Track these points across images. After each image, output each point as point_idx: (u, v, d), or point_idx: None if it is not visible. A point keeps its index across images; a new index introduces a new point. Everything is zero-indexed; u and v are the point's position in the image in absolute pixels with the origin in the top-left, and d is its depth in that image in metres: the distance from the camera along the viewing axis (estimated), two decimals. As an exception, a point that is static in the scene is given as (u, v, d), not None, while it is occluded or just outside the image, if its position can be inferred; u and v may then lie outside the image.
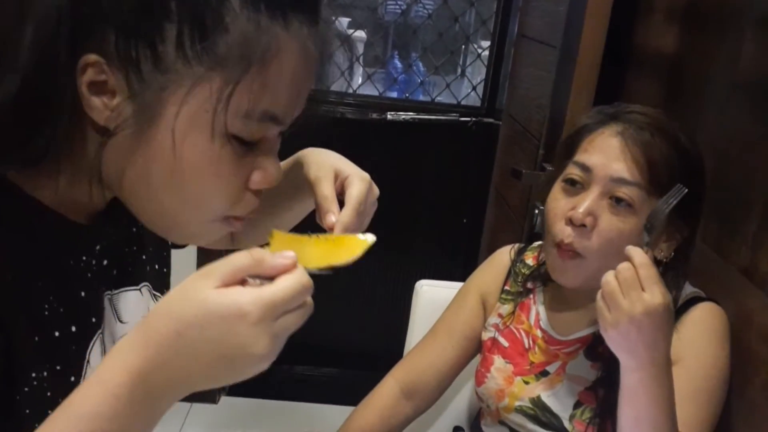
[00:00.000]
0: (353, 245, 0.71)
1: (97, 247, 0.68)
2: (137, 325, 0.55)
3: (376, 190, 0.83)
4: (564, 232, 1.01)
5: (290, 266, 0.55)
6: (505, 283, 1.23)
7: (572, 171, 1.04)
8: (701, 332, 1.04)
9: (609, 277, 0.88)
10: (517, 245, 1.27)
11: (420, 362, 1.24)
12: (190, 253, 2.43)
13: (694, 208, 1.05)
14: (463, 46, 2.70)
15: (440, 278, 1.48)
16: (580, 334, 1.11)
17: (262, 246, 0.68)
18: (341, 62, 2.55)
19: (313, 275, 0.59)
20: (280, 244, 0.69)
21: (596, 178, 1.01)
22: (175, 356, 0.52)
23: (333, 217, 0.73)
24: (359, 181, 0.78)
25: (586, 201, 1.00)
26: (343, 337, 2.73)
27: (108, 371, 0.53)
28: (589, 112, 1.10)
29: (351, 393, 2.68)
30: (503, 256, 1.27)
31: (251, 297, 0.51)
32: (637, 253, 0.87)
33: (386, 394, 1.24)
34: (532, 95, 1.93)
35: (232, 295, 0.52)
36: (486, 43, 2.61)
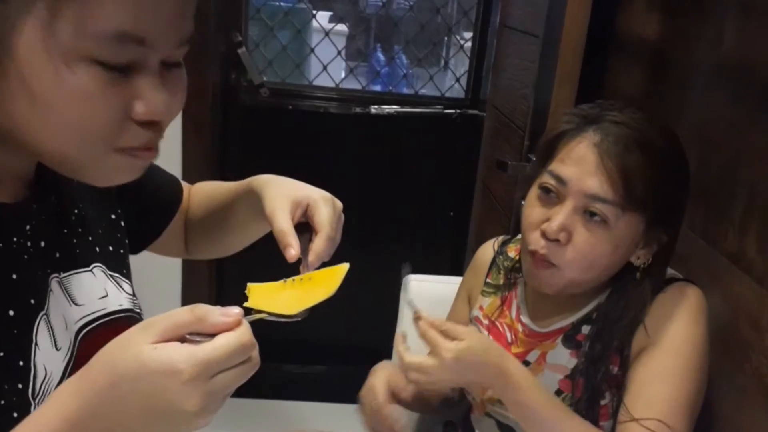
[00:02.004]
0: (329, 279, 0.72)
1: (27, 228, 0.67)
2: (80, 371, 0.55)
3: (339, 205, 0.83)
4: (538, 243, 1.02)
5: (232, 324, 0.54)
6: (487, 276, 1.24)
7: (548, 180, 1.03)
8: (673, 311, 1.03)
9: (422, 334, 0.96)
10: (501, 237, 1.28)
11: None
12: (175, 265, 2.39)
13: (673, 215, 1.05)
14: (446, 38, 2.68)
15: (428, 272, 1.47)
16: (559, 325, 1.11)
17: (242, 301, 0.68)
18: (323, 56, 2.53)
19: None
20: (257, 296, 0.70)
21: (571, 191, 1.00)
22: (109, 406, 0.53)
23: (293, 250, 0.75)
24: (323, 205, 0.79)
25: (560, 216, 1.00)
26: (331, 334, 2.71)
27: (44, 416, 0.54)
28: (567, 114, 1.07)
29: (340, 390, 2.68)
30: (486, 249, 1.28)
31: (185, 355, 0.51)
32: (424, 321, 0.96)
33: None
34: (516, 86, 1.92)
35: (167, 351, 0.52)
36: (468, 34, 2.59)
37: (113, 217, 0.82)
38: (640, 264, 1.04)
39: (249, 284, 0.71)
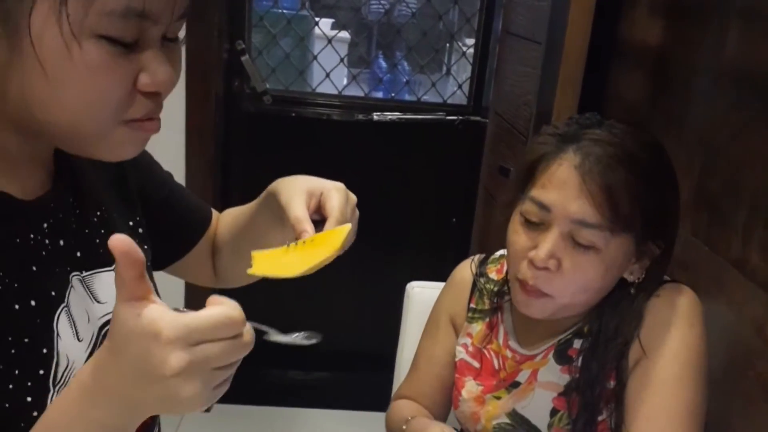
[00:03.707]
0: (331, 239, 0.72)
1: (45, 225, 0.69)
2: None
3: (353, 197, 0.84)
4: (527, 273, 0.98)
5: (117, 243, 0.52)
6: (470, 301, 1.18)
7: (531, 208, 0.98)
8: (666, 317, 0.99)
9: None
10: (477, 257, 1.22)
11: (411, 396, 1.22)
12: (178, 286, 2.40)
13: (664, 228, 1.01)
14: (448, 45, 2.68)
15: (431, 279, 1.47)
16: (549, 344, 1.07)
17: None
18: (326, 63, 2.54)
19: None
20: (261, 262, 0.71)
21: (556, 217, 0.96)
22: (111, 373, 0.54)
23: (308, 235, 0.75)
24: (336, 192, 0.80)
25: (547, 243, 0.95)
26: (335, 340, 2.71)
27: (70, 383, 0.58)
28: (543, 135, 1.02)
29: (344, 397, 2.68)
30: (464, 272, 1.22)
31: (168, 319, 0.51)
32: None
33: (403, 405, 1.20)
34: (518, 92, 1.92)
35: (152, 314, 0.52)
36: (470, 41, 2.60)
37: (131, 224, 0.84)
38: (634, 279, 1.01)
39: (253, 252, 0.72)
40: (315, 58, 2.55)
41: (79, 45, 0.57)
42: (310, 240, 0.73)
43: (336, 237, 0.72)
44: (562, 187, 0.95)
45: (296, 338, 0.66)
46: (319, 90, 2.57)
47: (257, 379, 2.72)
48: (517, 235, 1.01)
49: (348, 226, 0.74)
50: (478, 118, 2.54)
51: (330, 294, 2.62)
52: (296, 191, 0.80)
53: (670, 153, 1.01)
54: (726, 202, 1.18)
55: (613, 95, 1.69)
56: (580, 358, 1.02)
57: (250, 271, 0.70)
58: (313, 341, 0.67)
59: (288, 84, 2.56)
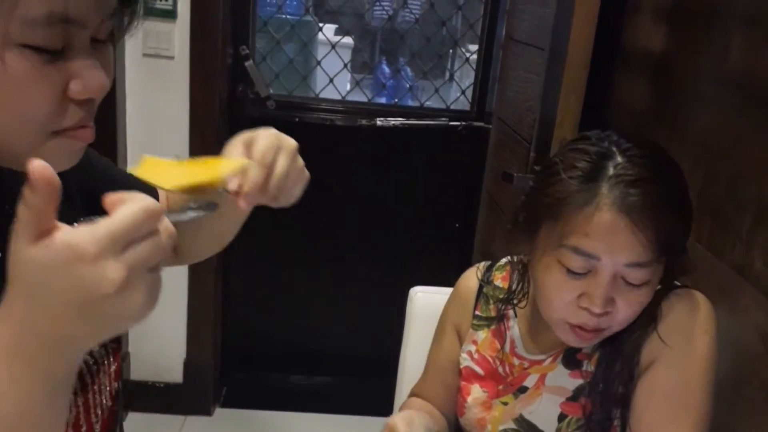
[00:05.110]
0: (221, 167, 0.71)
1: None
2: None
3: (290, 143, 0.79)
4: (581, 318, 0.96)
5: (39, 169, 0.46)
6: (475, 308, 1.17)
7: (573, 260, 0.94)
8: (680, 321, 0.98)
9: None
10: (482, 265, 1.21)
11: (423, 396, 1.23)
12: (181, 272, 2.40)
13: (687, 233, 0.99)
14: (451, 50, 2.69)
15: (433, 284, 1.47)
16: (556, 348, 1.06)
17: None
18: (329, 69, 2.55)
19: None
20: (147, 167, 0.69)
21: (605, 264, 0.93)
22: (40, 319, 0.49)
23: (236, 180, 0.71)
24: (262, 138, 0.76)
25: (600, 290, 0.93)
26: (338, 345, 2.71)
27: None
28: (563, 179, 0.95)
29: (346, 402, 2.68)
30: (468, 280, 1.21)
31: (84, 235, 0.47)
32: None
33: (413, 401, 1.22)
34: (522, 98, 1.92)
35: (63, 238, 0.47)
36: (474, 47, 2.60)
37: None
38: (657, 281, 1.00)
39: (145, 155, 0.70)
40: (318, 63, 2.56)
41: (0, 57, 0.53)
42: (203, 162, 0.72)
43: (226, 166, 0.71)
44: (609, 234, 0.91)
45: (191, 213, 0.65)
46: (323, 95, 2.57)
47: (259, 384, 2.72)
48: (561, 284, 0.96)
49: (243, 161, 0.72)
50: (481, 124, 2.54)
51: (333, 298, 2.63)
52: (234, 145, 0.77)
53: (674, 159, 1.00)
54: (729, 208, 1.18)
55: (616, 101, 1.69)
56: (593, 360, 1.01)
57: (131, 169, 0.68)
58: (210, 210, 0.65)
59: (291, 89, 2.57)
